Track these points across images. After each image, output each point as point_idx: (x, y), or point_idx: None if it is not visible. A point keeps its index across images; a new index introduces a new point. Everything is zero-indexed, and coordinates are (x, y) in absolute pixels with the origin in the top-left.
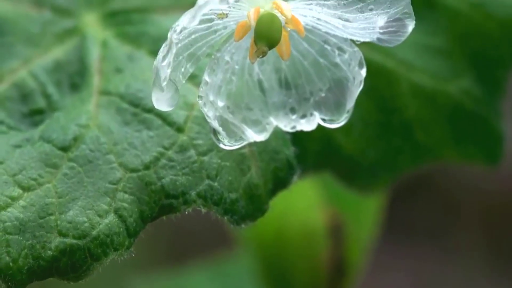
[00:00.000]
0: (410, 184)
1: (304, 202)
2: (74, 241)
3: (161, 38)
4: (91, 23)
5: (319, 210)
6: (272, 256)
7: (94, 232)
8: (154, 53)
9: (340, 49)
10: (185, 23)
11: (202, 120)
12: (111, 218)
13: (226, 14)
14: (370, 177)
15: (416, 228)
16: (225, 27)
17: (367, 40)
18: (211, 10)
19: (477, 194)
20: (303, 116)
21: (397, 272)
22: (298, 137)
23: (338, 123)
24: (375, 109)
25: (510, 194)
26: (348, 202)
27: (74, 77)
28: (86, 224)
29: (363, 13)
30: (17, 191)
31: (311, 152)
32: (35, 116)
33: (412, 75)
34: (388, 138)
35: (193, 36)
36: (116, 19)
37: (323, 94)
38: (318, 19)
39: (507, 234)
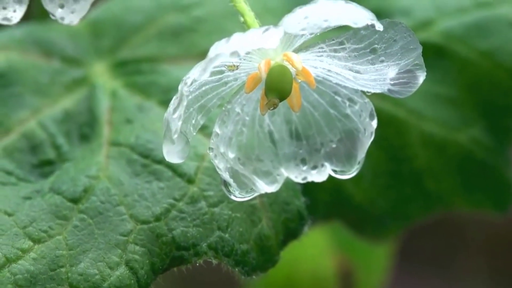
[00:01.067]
0: None
1: (314, 249)
2: None
3: (171, 88)
4: (100, 73)
5: (328, 257)
6: None
7: (105, 285)
8: (164, 103)
9: (350, 100)
10: (196, 75)
11: (212, 171)
12: (122, 270)
13: (237, 66)
14: (380, 226)
15: (421, 256)
16: (235, 79)
17: (378, 91)
18: (221, 62)
19: (482, 223)
20: (314, 167)
21: None
22: (308, 187)
23: (349, 174)
24: (385, 158)
25: None
26: (357, 248)
27: (83, 127)
28: (97, 276)
29: (374, 64)
30: (27, 243)
31: (321, 202)
32: (44, 167)
33: (422, 124)
34: (398, 188)
35: (203, 88)
36: (126, 68)
37: (334, 145)
38: (329, 70)
39: (511, 262)
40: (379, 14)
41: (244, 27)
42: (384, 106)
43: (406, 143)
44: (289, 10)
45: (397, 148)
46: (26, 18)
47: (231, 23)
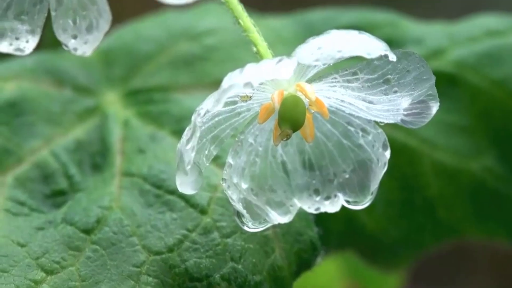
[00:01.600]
0: None
1: (325, 276)
2: None
3: (184, 118)
4: (112, 102)
5: (340, 284)
6: None
7: None
8: (176, 133)
9: (363, 130)
10: (209, 106)
11: (225, 202)
12: None
13: (250, 97)
14: (393, 255)
15: (429, 279)
16: (248, 109)
17: (391, 121)
18: (235, 93)
19: (491, 244)
20: (327, 198)
21: None
22: (321, 217)
23: (363, 204)
24: (398, 187)
25: None
26: (368, 274)
27: (95, 157)
28: None
29: (387, 95)
30: (40, 275)
31: (334, 232)
32: (57, 197)
33: (435, 154)
34: (410, 217)
35: (216, 119)
36: (138, 98)
37: (347, 176)
38: (342, 101)
39: None
40: (391, 43)
41: (257, 57)
42: (396, 135)
43: (418, 172)
44: (302, 40)
45: (410, 177)
46: (37, 46)
47: (243, 51)
